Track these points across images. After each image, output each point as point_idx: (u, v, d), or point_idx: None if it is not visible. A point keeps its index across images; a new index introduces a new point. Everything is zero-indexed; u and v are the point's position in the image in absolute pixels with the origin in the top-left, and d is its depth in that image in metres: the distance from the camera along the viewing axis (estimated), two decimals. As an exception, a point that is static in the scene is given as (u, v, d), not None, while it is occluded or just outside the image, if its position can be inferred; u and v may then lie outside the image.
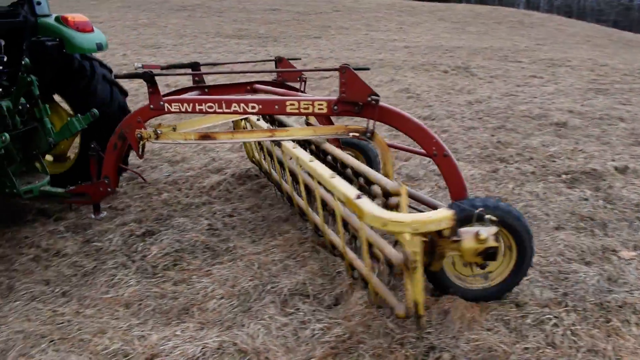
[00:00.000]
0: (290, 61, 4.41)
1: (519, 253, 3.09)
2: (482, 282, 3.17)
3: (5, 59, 4.02)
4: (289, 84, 4.31)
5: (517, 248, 3.08)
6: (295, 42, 16.17)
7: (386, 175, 3.10)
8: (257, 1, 27.91)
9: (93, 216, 4.23)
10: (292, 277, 3.44)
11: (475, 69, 11.78)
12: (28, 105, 3.98)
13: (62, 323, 3.06)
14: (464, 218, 2.74)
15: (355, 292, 3.27)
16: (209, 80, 5.65)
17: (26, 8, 4.41)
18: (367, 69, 4.36)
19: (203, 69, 4.39)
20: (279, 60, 4.37)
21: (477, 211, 2.75)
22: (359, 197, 2.55)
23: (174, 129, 3.69)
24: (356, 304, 3.15)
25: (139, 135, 3.46)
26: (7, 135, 3.69)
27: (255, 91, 4.19)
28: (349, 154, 3.50)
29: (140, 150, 3.61)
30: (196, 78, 4.24)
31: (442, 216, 2.36)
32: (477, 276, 3.15)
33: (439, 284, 3.15)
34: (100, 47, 4.52)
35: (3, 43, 4.14)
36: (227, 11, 23.57)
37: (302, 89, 4.26)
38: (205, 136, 3.37)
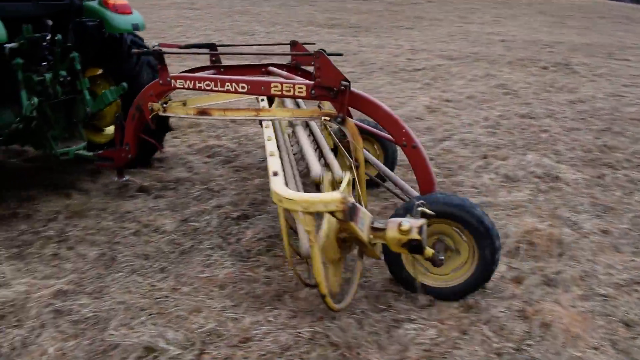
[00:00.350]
0: (304, 45, 4.47)
1: (479, 250, 2.95)
2: (447, 279, 3.10)
3: (49, 37, 4.32)
4: (303, 67, 4.41)
5: (476, 244, 2.95)
6: (387, 33, 15.94)
7: (357, 161, 3.20)
8: (350, -10, 27.80)
9: (116, 179, 4.59)
10: (384, 273, 3.36)
11: (577, 66, 11.12)
12: (69, 78, 4.45)
13: (160, 298, 3.16)
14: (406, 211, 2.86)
15: (449, 294, 3.16)
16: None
17: None
18: (340, 54, 4.30)
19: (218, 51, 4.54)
20: (293, 44, 4.44)
21: (416, 203, 2.76)
22: (275, 174, 2.63)
23: (184, 104, 3.98)
24: (451, 306, 3.04)
25: (150, 108, 3.81)
26: (35, 99, 4.10)
27: (269, 73, 4.32)
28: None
29: (153, 121, 3.93)
30: (213, 58, 4.40)
31: (330, 198, 2.38)
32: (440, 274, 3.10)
33: (402, 281, 3.15)
34: (136, 28, 4.79)
35: (50, 23, 4.52)
36: (320, 0, 23.62)
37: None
38: (202, 112, 3.61)
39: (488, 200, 4.46)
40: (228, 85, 3.46)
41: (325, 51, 3.20)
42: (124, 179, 4.61)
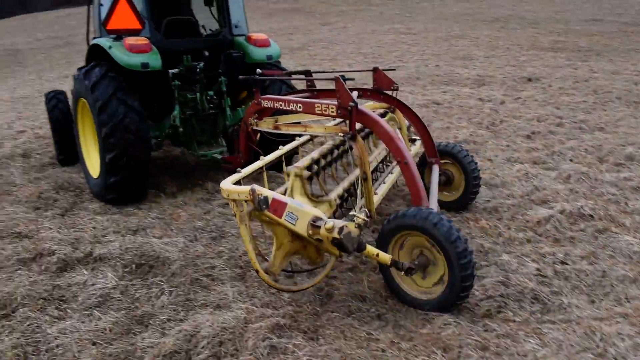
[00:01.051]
0: (384, 72, 4.53)
1: (447, 265, 3.00)
2: (429, 293, 3.18)
3: (201, 65, 5.37)
4: (386, 91, 4.53)
5: (445, 260, 3.01)
6: (623, 57, 14.08)
7: (364, 173, 3.52)
8: (577, 11, 25.54)
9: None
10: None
11: None
12: (215, 97, 5.53)
13: (377, 351, 2.84)
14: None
15: None
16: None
17: (226, 30, 5.94)
18: (352, 79, 4.47)
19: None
20: (374, 71, 4.56)
21: (351, 213, 3.01)
22: (238, 171, 3.25)
23: (276, 121, 4.34)
24: None
25: (250, 122, 4.45)
26: (176, 113, 5.32)
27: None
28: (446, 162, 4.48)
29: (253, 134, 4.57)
30: (309, 83, 4.73)
31: (240, 190, 2.96)
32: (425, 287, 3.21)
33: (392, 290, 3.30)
34: (269, 58, 5.76)
35: (207, 54, 5.65)
36: (543, 22, 22.00)
37: (394, 96, 4.51)
38: (275, 127, 4.25)
39: None
40: (292, 106, 3.97)
41: (344, 77, 3.72)
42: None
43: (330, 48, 18.09)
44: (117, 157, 4.84)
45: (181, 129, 5.40)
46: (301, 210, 2.95)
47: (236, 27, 6.03)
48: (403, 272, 3.15)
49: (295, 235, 3.10)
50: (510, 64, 13.42)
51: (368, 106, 4.66)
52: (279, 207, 2.95)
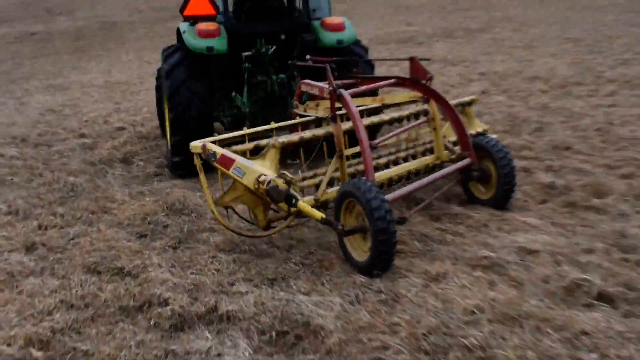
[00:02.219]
0: (420, 61, 5.90)
1: (371, 230, 4.32)
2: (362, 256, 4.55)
3: (271, 49, 7.07)
4: (422, 81, 5.80)
5: (370, 225, 4.34)
6: None
7: (340, 151, 5.11)
8: None
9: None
10: None
11: None
12: (286, 80, 7.23)
13: None
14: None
15: None
16: None
17: (304, 13, 7.67)
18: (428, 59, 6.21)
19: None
20: (411, 60, 5.93)
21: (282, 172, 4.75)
22: (215, 134, 5.33)
23: (317, 105, 5.98)
24: None
25: (294, 104, 6.33)
26: (243, 95, 7.18)
27: (396, 85, 6.03)
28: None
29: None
30: (354, 70, 6.73)
31: (197, 145, 4.87)
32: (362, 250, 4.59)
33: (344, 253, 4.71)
34: (340, 42, 7.25)
35: (283, 37, 7.35)
36: None
37: (429, 85, 5.80)
38: (305, 109, 6.05)
39: None
40: (314, 90, 5.61)
41: (332, 66, 5.69)
42: None
43: (523, 31, 17.59)
44: (180, 140, 6.57)
45: (247, 110, 7.12)
46: (248, 167, 4.55)
47: (314, 10, 7.64)
48: (341, 233, 4.52)
49: (255, 194, 4.69)
50: None
51: (405, 95, 6.19)
52: (227, 162, 4.62)
